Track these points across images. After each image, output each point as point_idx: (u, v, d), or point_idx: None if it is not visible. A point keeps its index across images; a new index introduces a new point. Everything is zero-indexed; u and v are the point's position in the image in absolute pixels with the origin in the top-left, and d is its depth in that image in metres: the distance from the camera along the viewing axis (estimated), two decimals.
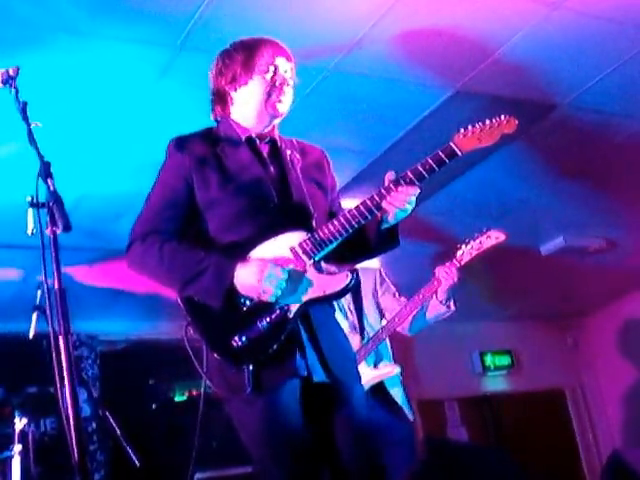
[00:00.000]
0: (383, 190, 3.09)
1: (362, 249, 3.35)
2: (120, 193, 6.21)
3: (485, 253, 5.20)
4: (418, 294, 5.18)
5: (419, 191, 3.10)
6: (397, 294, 5.38)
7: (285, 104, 3.37)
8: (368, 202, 3.10)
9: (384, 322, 5.25)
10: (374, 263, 5.14)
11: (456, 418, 11.46)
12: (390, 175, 3.12)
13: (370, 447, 3.22)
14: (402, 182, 3.07)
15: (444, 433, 11.13)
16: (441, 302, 5.21)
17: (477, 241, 5.15)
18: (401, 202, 3.08)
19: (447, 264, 5.16)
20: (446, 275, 5.13)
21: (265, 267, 3.05)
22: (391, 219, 3.16)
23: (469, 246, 5.17)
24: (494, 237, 5.17)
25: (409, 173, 3.07)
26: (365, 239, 3.27)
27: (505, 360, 12.09)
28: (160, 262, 3.20)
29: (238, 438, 3.16)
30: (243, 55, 3.36)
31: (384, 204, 3.09)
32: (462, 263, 5.16)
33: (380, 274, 5.47)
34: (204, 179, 3.25)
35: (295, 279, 3.10)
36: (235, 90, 3.39)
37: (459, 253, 5.18)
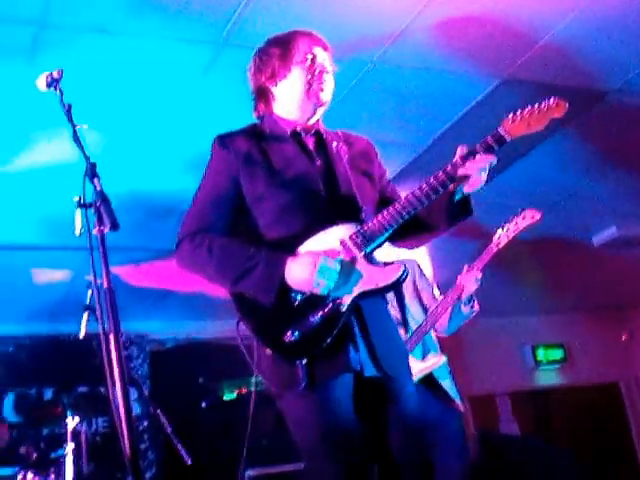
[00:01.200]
0: (458, 160, 3.07)
1: (427, 229, 3.32)
2: (167, 192, 6.23)
3: (523, 231, 5.16)
4: (446, 296, 5.16)
5: (495, 160, 3.08)
6: (435, 292, 5.37)
7: (327, 92, 3.33)
8: (432, 180, 3.06)
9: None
10: (413, 255, 5.11)
11: (508, 413, 11.39)
12: (461, 149, 3.10)
13: (421, 443, 3.20)
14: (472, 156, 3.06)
15: (496, 428, 11.06)
16: (465, 304, 5.19)
17: (513, 222, 5.13)
18: (477, 169, 3.05)
19: (468, 268, 5.14)
20: (468, 280, 5.11)
21: (317, 260, 3.02)
22: (466, 190, 3.12)
23: (505, 229, 5.15)
24: (529, 217, 5.13)
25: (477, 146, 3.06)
26: (430, 217, 3.24)
27: (557, 354, 12.00)
28: (210, 259, 3.19)
29: (288, 435, 3.14)
30: (279, 49, 3.35)
31: (462, 171, 3.05)
32: (500, 246, 5.13)
33: (418, 267, 5.44)
34: (251, 175, 3.23)
35: (347, 271, 3.06)
36: (275, 85, 3.37)
37: (496, 237, 5.16)
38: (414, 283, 5.37)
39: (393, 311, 5.09)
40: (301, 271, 3.03)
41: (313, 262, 3.02)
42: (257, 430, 7.18)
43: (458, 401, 5.14)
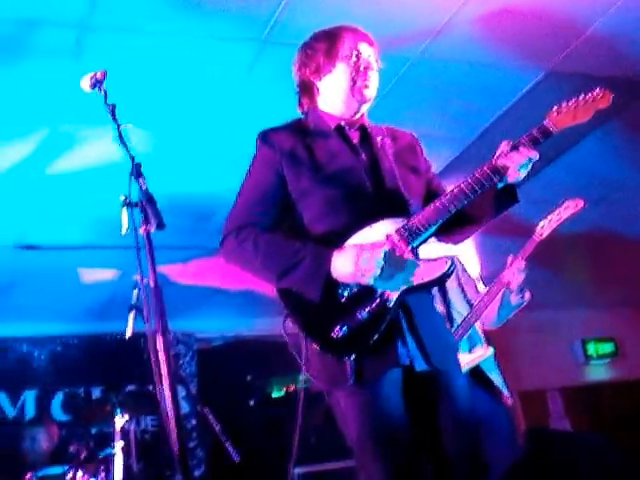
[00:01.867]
0: (502, 152, 3.05)
1: (472, 221, 3.30)
2: (212, 190, 6.25)
3: (566, 221, 5.10)
4: (491, 287, 5.11)
5: (537, 156, 3.04)
6: (478, 286, 5.33)
7: (371, 89, 3.31)
8: (478, 174, 3.04)
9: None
10: (455, 250, 5.08)
11: (559, 409, 11.28)
12: (505, 144, 3.07)
13: (472, 437, 3.16)
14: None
15: (547, 424, 10.97)
16: (516, 293, 5.13)
17: (555, 213, 5.07)
18: (518, 162, 3.02)
19: (511, 262, 5.09)
20: (511, 274, 5.06)
21: (361, 250, 3.01)
22: (511, 180, 3.09)
23: (548, 219, 5.09)
24: (572, 206, 5.07)
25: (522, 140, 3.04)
26: (475, 209, 3.21)
27: (608, 348, 11.87)
28: (255, 254, 3.18)
29: (337, 432, 3.13)
30: (325, 44, 3.34)
31: (501, 162, 3.03)
32: (543, 237, 5.08)
33: (460, 262, 5.40)
34: (295, 170, 3.23)
35: (393, 262, 3.03)
36: (320, 79, 3.36)
37: (539, 228, 5.10)
38: (457, 278, 5.34)
39: (438, 306, 5.07)
40: (345, 263, 3.01)
41: (357, 253, 3.01)
42: (306, 427, 7.19)
43: (506, 393, 5.10)
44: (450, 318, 5.10)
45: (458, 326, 5.06)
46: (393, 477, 2.94)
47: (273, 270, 3.16)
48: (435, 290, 4.97)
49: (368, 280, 3.00)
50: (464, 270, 5.42)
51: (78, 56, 4.70)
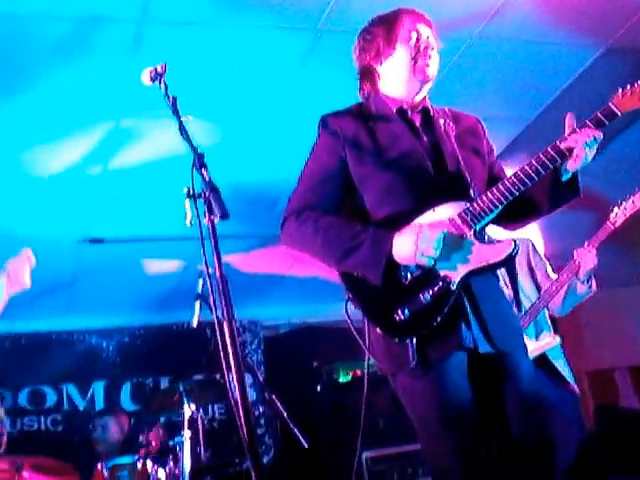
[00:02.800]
0: (566, 135, 3.02)
1: (533, 209, 3.28)
2: (274, 179, 6.27)
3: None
4: (561, 274, 5.05)
5: (601, 136, 3.01)
6: (548, 270, 5.27)
7: (432, 68, 3.31)
8: (541, 156, 3.01)
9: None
10: (526, 233, 5.03)
11: (628, 388, 11.12)
12: (570, 117, 3.05)
13: (539, 418, 3.15)
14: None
15: (616, 404, 10.82)
16: (582, 282, 5.06)
17: (630, 201, 4.99)
18: (583, 142, 2.98)
19: (586, 246, 5.02)
20: (585, 258, 4.98)
21: (420, 231, 3.01)
22: (571, 166, 3.04)
23: (622, 207, 5.00)
24: None
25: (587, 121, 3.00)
26: (536, 197, 3.19)
27: None
28: (316, 236, 3.20)
29: (404, 416, 3.14)
30: (383, 28, 3.34)
31: (566, 144, 3.00)
32: (616, 225, 5.00)
33: (532, 246, 5.35)
34: (357, 154, 3.23)
35: (453, 244, 3.04)
36: (380, 64, 3.36)
37: (612, 215, 5.02)
38: (528, 262, 5.29)
39: (506, 289, 5.03)
40: (405, 244, 3.02)
41: (417, 234, 3.01)
42: (373, 411, 7.19)
43: (573, 383, 5.04)
44: (518, 302, 5.06)
45: (526, 312, 5.02)
46: (460, 458, 2.95)
47: (334, 253, 3.18)
48: (503, 272, 4.94)
49: (427, 261, 3.00)
50: (535, 253, 5.36)
51: (137, 51, 4.75)
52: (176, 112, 3.05)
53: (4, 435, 3.71)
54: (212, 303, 2.68)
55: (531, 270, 5.28)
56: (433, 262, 3.01)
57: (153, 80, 3.16)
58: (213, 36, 4.72)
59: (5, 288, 3.79)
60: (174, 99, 3.08)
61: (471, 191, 3.14)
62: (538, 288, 5.21)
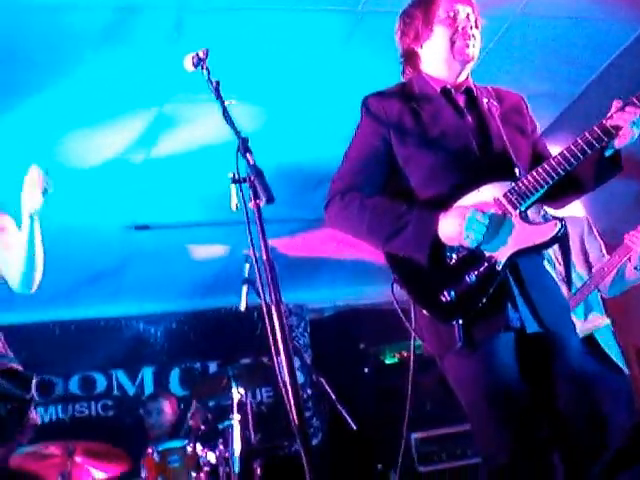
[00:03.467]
0: (612, 113, 2.97)
1: (576, 187, 3.25)
2: (317, 162, 6.27)
3: None
4: (612, 256, 4.99)
5: None
6: (602, 250, 5.21)
7: (473, 47, 3.28)
8: (587, 135, 2.97)
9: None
10: (579, 212, 4.98)
11: None
12: (617, 102, 3.00)
13: (589, 398, 3.13)
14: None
15: None
16: (635, 268, 4.99)
17: None
18: (630, 120, 2.94)
19: (637, 230, 4.94)
20: (635, 241, 4.91)
21: (466, 212, 3.00)
22: (617, 145, 3.02)
23: None
24: None
25: (633, 99, 2.95)
26: (580, 175, 3.16)
27: None
28: (361, 217, 3.20)
29: (451, 397, 3.14)
30: (421, 9, 3.32)
31: (613, 122, 2.96)
32: None
33: (588, 223, 5.29)
34: (401, 135, 3.23)
35: (498, 225, 3.03)
36: (421, 46, 3.35)
37: None
38: (581, 241, 5.23)
39: (558, 267, 4.99)
40: (451, 225, 3.02)
41: (462, 214, 3.00)
42: (420, 393, 7.18)
43: (621, 365, 4.98)
44: (569, 280, 5.01)
45: (577, 290, 4.97)
46: (510, 439, 2.94)
47: (379, 234, 3.18)
48: (556, 250, 4.91)
49: (470, 243, 2.99)
50: (590, 233, 5.30)
51: (179, 37, 4.76)
52: (219, 97, 3.06)
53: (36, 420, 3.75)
54: (259, 287, 2.70)
55: (584, 249, 5.22)
56: (476, 243, 3.00)
57: (195, 66, 3.17)
58: (254, 20, 4.72)
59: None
60: (217, 84, 3.09)
61: (516, 170, 3.11)
62: (590, 268, 5.16)
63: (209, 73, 3.12)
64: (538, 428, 2.98)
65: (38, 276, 4.04)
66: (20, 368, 3.80)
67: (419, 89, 3.34)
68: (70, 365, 9.00)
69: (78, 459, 6.11)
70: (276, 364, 2.60)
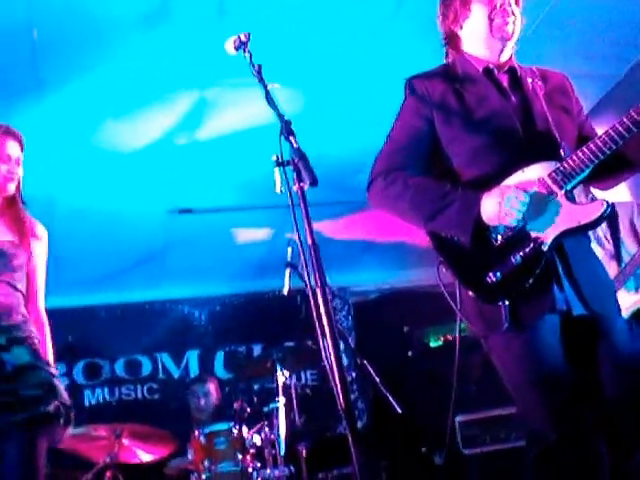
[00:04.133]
0: None
1: (623, 167, 3.22)
2: (360, 144, 6.25)
3: None
4: None
5: None
6: None
7: (512, 24, 3.24)
8: (633, 114, 2.92)
9: None
10: (626, 196, 4.94)
11: None
12: None
13: (634, 381, 3.08)
14: None
15: None
16: None
17: None
18: None
19: None
20: None
21: (506, 191, 2.99)
22: None
23: None
24: None
25: None
26: (627, 155, 3.12)
27: None
28: (404, 197, 3.20)
29: (496, 380, 3.13)
30: None
31: None
32: None
33: (637, 206, 5.23)
34: (445, 116, 3.22)
35: (542, 205, 3.01)
36: (460, 27, 3.33)
37: None
38: (631, 222, 5.18)
39: (607, 245, 4.95)
40: (491, 203, 3.00)
41: (502, 193, 2.99)
42: (465, 376, 7.15)
43: None
44: (619, 257, 4.97)
45: (626, 265, 4.93)
46: (555, 421, 2.92)
47: (422, 213, 3.18)
48: (604, 228, 4.87)
49: (512, 222, 2.98)
50: None
51: (221, 19, 4.76)
52: (262, 80, 3.06)
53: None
54: (304, 270, 2.70)
55: (634, 230, 5.17)
56: (518, 223, 2.98)
57: (237, 49, 3.18)
58: (297, 2, 4.71)
59: None
60: (259, 67, 3.09)
61: (561, 151, 3.09)
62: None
63: (251, 56, 3.13)
64: (584, 411, 2.96)
65: None
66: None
67: (462, 70, 3.32)
68: (116, 348, 9.10)
69: (125, 441, 6.18)
70: (321, 347, 2.60)
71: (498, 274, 3.00)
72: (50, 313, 4.04)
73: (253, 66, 3.10)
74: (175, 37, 5.00)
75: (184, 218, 7.59)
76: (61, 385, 3.81)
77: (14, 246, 3.87)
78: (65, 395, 3.79)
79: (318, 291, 2.62)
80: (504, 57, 3.30)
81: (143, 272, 8.44)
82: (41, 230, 4.08)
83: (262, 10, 4.75)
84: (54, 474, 6.05)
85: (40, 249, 4.05)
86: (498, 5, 3.21)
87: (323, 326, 2.59)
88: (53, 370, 3.81)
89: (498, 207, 2.97)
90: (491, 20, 3.22)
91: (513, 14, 3.23)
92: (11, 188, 3.97)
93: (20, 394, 3.60)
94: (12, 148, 3.98)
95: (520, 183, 3.04)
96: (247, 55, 3.15)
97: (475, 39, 3.30)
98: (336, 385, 2.55)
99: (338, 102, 5.92)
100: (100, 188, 6.80)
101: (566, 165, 3.00)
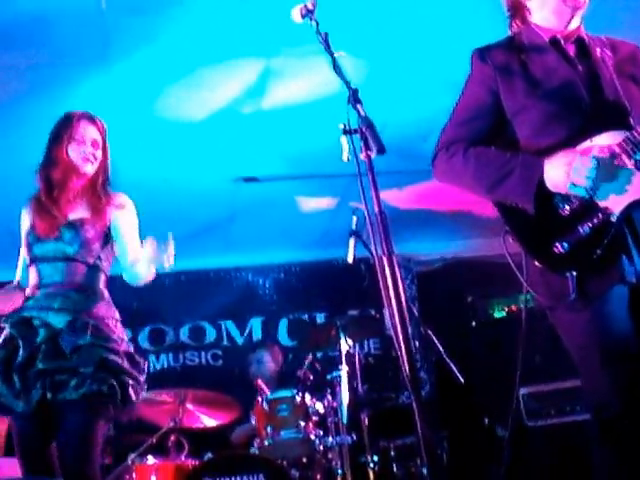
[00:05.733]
0: None
1: None
2: (426, 113, 6.21)
3: None
4: None
5: None
6: None
7: None
8: None
9: None
10: None
11: None
12: None
13: None
14: None
15: None
16: None
17: None
18: None
19: None
20: None
21: (573, 158, 2.95)
22: None
23: None
24: None
25: None
26: None
27: None
28: (466, 167, 3.20)
29: (562, 351, 3.11)
30: None
31: None
32: None
33: None
34: (510, 87, 3.20)
35: (610, 173, 2.97)
36: None
37: None
38: None
39: None
40: (557, 170, 2.99)
41: (568, 161, 2.96)
42: (529, 347, 7.11)
43: None
44: None
45: None
46: (622, 391, 2.91)
47: (484, 182, 3.18)
48: None
49: (579, 190, 2.95)
50: None
51: None
52: (329, 49, 3.05)
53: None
54: (371, 239, 2.70)
55: None
56: (585, 192, 2.94)
57: (304, 17, 3.18)
58: None
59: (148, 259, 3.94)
60: (326, 35, 3.08)
61: (630, 120, 3.04)
62: None
63: (318, 25, 3.12)
64: None
65: (145, 279, 4.16)
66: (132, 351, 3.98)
67: (528, 40, 3.29)
68: (180, 315, 9.21)
69: (189, 406, 6.26)
70: (387, 315, 2.61)
71: (565, 244, 2.97)
72: (115, 280, 4.11)
73: (320, 34, 3.10)
74: (240, 4, 4.99)
75: (249, 187, 7.61)
76: (125, 361, 3.87)
77: (87, 222, 3.96)
78: (130, 371, 3.86)
79: (385, 259, 2.63)
80: (572, 26, 3.26)
81: (208, 240, 8.49)
82: (123, 199, 4.16)
83: None
84: (118, 437, 6.18)
85: (125, 218, 4.13)
86: None
87: (389, 295, 2.59)
88: (119, 347, 3.88)
89: (565, 175, 2.95)
90: None
91: None
92: (89, 169, 4.07)
93: (75, 372, 3.68)
94: (88, 130, 4.11)
95: (584, 149, 3.01)
96: (313, 23, 3.14)
97: (545, 8, 3.26)
98: (402, 354, 2.56)
99: (403, 70, 5.88)
100: (165, 158, 6.85)
101: (636, 134, 2.96)
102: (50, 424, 3.73)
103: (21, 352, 3.71)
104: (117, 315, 4.01)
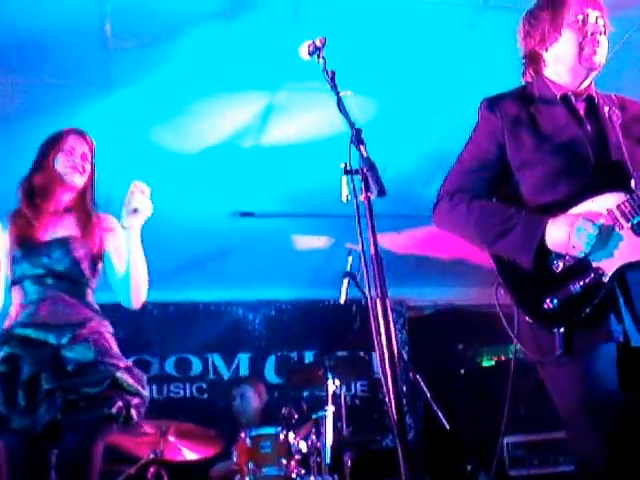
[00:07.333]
0: None
1: None
2: (429, 158, 6.23)
3: None
4: None
5: None
6: None
7: (600, 55, 3.19)
8: None
9: None
10: None
11: None
12: None
13: None
14: None
15: None
16: None
17: None
18: None
19: None
20: None
21: (575, 221, 2.95)
22: None
23: None
24: None
25: None
26: None
27: None
28: (469, 218, 3.19)
29: (546, 403, 3.11)
30: (549, 12, 3.24)
31: None
32: None
33: None
34: (517, 140, 3.19)
35: (607, 237, 2.97)
36: (546, 50, 3.28)
37: None
38: None
39: None
40: (558, 232, 2.98)
41: (571, 223, 2.96)
42: (515, 398, 7.10)
43: None
44: None
45: None
46: (605, 449, 2.88)
47: (486, 235, 3.17)
48: None
49: (578, 254, 2.95)
50: None
51: (295, 21, 4.78)
52: (335, 87, 3.05)
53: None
54: (365, 280, 2.69)
55: None
56: (586, 254, 2.95)
57: (311, 54, 3.17)
58: (374, 9, 4.71)
59: (133, 237, 3.92)
60: (333, 73, 3.08)
61: (633, 182, 3.04)
62: None
63: (325, 62, 3.12)
64: (635, 440, 2.92)
65: (139, 293, 4.12)
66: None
67: (539, 93, 3.29)
68: (167, 346, 9.15)
69: (171, 438, 6.21)
70: (377, 358, 2.59)
71: (555, 301, 2.98)
72: (102, 308, 4.08)
73: (327, 72, 3.10)
74: (247, 37, 5.01)
75: (245, 221, 7.62)
76: (128, 377, 3.83)
77: (77, 241, 3.93)
78: (135, 386, 3.83)
79: (378, 302, 2.62)
80: (584, 85, 3.27)
81: (200, 273, 8.48)
82: (112, 223, 4.13)
83: (337, 15, 4.75)
84: None
85: (114, 241, 4.10)
86: (589, 33, 3.17)
87: (380, 337, 2.58)
88: (120, 363, 3.84)
89: (567, 237, 2.95)
90: (581, 48, 3.18)
91: (601, 44, 3.20)
92: (78, 181, 4.04)
93: (83, 392, 3.65)
94: (76, 142, 4.07)
95: (587, 213, 3.00)
96: (321, 61, 3.14)
97: (560, 65, 3.26)
98: (390, 397, 2.54)
99: (409, 113, 5.91)
100: (161, 188, 6.82)
101: (636, 197, 2.96)
102: (51, 445, 3.69)
103: (25, 370, 3.65)
104: (110, 328, 3.98)
